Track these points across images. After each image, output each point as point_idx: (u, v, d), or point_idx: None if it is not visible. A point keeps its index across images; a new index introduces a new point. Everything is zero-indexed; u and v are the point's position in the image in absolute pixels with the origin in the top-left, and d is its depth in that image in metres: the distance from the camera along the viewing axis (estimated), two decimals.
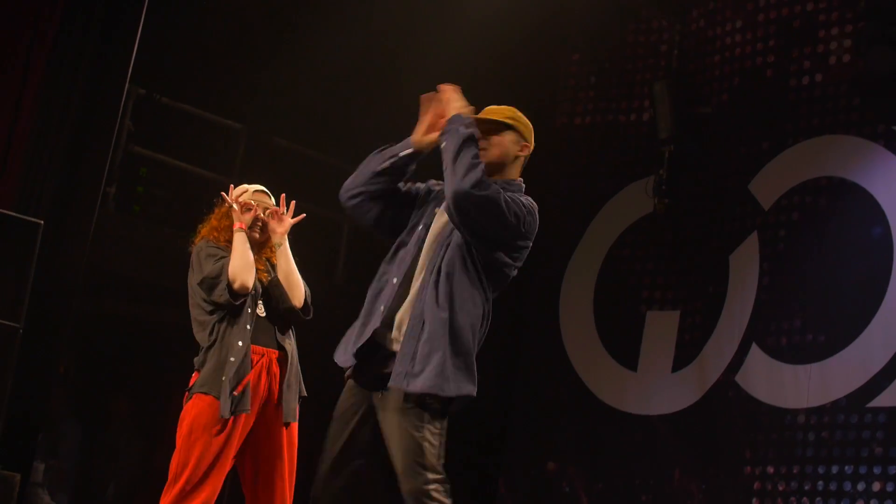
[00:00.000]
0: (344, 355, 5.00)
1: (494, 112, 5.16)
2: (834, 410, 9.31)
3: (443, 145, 4.94)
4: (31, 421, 7.94)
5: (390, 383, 4.82)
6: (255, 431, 6.01)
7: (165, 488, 5.85)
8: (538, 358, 11.32)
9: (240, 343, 5.96)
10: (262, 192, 6.35)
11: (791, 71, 10.22)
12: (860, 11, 9.82)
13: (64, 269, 8.22)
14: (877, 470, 9.01)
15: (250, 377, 5.93)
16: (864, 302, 9.40)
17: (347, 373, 5.03)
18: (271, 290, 6.16)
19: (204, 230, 6.31)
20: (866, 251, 9.53)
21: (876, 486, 8.95)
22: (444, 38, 10.39)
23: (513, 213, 4.85)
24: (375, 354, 4.93)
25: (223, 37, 10.86)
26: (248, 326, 6.01)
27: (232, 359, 5.90)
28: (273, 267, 6.27)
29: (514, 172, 5.15)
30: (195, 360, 6.06)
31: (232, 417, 5.85)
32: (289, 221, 6.22)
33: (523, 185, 5.13)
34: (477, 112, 5.10)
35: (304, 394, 6.19)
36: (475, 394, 4.87)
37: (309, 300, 6.20)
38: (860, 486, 9.03)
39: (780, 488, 9.42)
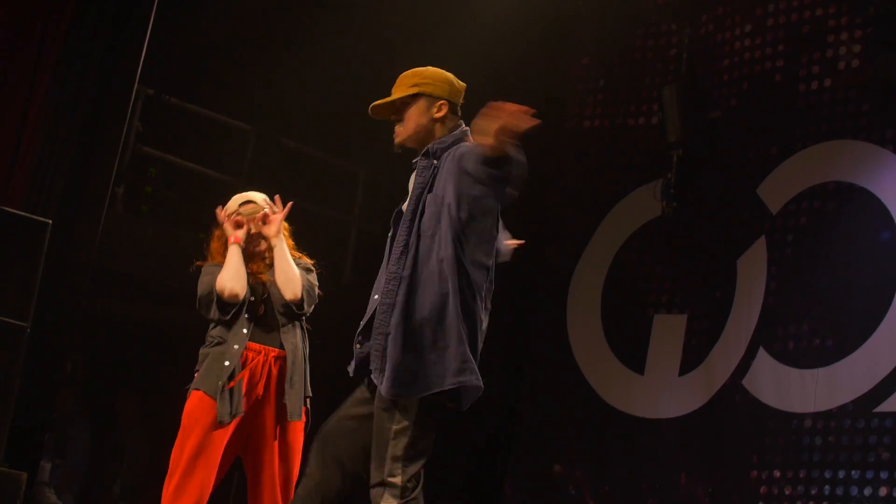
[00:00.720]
0: None
1: (398, 85, 5.11)
2: (841, 415, 9.29)
3: None
4: (37, 420, 7.96)
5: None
6: (254, 430, 6.07)
7: (164, 483, 5.96)
8: (545, 360, 11.31)
9: (235, 346, 6.03)
10: (248, 202, 6.34)
11: (800, 76, 10.21)
12: (869, 17, 9.81)
13: (71, 268, 8.25)
14: (884, 475, 8.99)
15: (243, 375, 5.99)
16: (871, 307, 9.38)
17: None
18: (271, 289, 6.21)
19: (209, 251, 6.37)
20: (874, 256, 9.51)
21: (883, 492, 8.93)
22: (453, 41, 10.38)
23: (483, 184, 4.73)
24: None
25: (232, 37, 10.87)
26: (245, 330, 6.07)
27: (227, 363, 5.98)
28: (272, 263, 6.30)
29: (443, 130, 5.04)
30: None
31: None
32: (277, 219, 6.23)
33: (457, 131, 5.04)
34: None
35: (310, 394, 6.21)
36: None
37: (306, 295, 6.20)
38: (867, 491, 9.01)
39: (787, 493, 9.40)
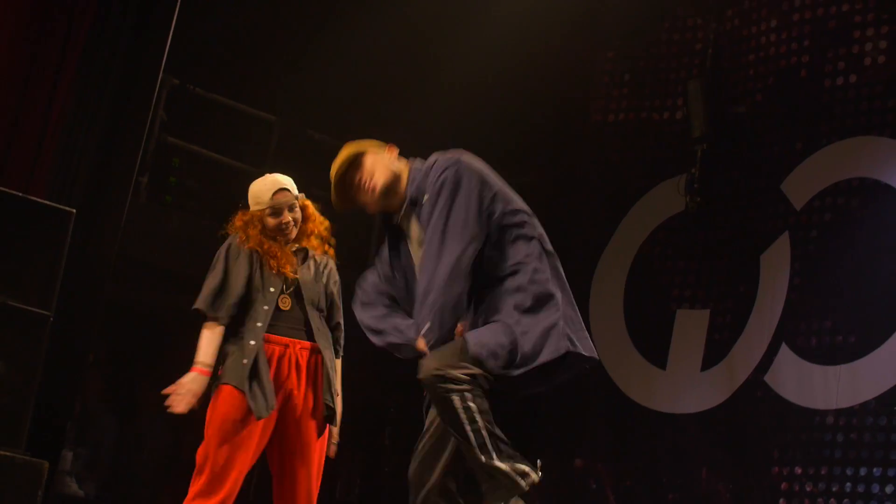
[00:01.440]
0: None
1: (339, 167, 5.34)
2: (863, 412, 9.27)
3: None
4: (60, 409, 7.97)
5: None
6: (282, 423, 5.98)
7: (192, 478, 5.86)
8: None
9: (252, 342, 5.95)
10: (282, 189, 6.20)
11: (826, 71, 10.18)
12: None
13: (95, 258, 8.24)
14: None
15: (270, 368, 5.93)
16: (894, 304, 9.35)
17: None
18: (303, 287, 6.11)
19: (233, 226, 6.28)
20: None
21: None
22: (478, 34, 10.39)
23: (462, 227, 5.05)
24: None
25: (257, 28, 10.89)
26: (259, 323, 5.98)
27: (244, 361, 5.90)
28: (305, 257, 6.25)
29: (404, 170, 5.32)
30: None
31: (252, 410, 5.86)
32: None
33: (413, 167, 5.29)
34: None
35: (338, 391, 6.14)
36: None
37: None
38: (888, 489, 8.98)
39: (808, 489, 9.39)
